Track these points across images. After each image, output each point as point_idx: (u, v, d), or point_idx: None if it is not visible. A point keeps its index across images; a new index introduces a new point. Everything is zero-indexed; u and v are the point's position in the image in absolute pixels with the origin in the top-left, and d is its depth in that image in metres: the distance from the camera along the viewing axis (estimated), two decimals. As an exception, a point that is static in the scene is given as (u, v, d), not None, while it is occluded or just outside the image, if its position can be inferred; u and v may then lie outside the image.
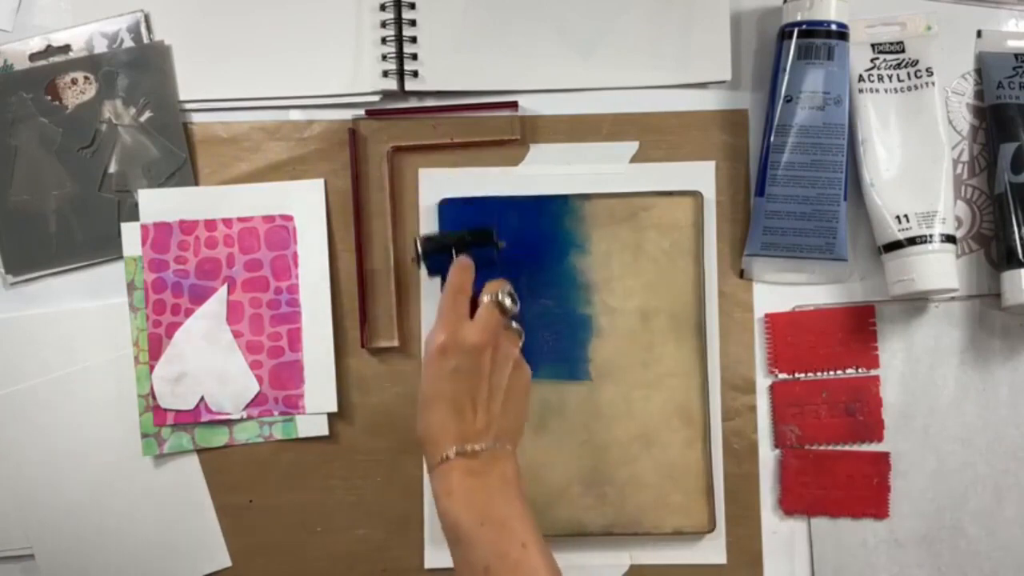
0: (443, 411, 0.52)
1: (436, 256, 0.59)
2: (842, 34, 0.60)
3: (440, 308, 0.54)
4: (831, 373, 0.63)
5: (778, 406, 0.63)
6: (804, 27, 0.60)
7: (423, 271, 0.62)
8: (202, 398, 0.63)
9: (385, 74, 0.63)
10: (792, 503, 0.63)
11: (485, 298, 0.54)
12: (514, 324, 0.56)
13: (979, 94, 0.64)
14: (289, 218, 0.63)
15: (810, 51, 0.60)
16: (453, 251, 0.58)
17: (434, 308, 0.63)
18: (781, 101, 0.61)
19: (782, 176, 0.61)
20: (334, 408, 0.63)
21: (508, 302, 0.54)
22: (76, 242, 0.64)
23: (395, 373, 0.64)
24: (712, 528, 0.62)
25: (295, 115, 0.64)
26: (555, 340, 0.63)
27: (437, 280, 0.63)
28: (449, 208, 0.63)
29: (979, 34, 0.64)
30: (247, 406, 0.63)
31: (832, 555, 0.63)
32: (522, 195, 0.63)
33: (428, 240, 0.59)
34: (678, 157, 0.64)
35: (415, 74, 0.63)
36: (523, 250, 0.63)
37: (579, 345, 0.63)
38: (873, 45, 0.63)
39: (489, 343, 0.52)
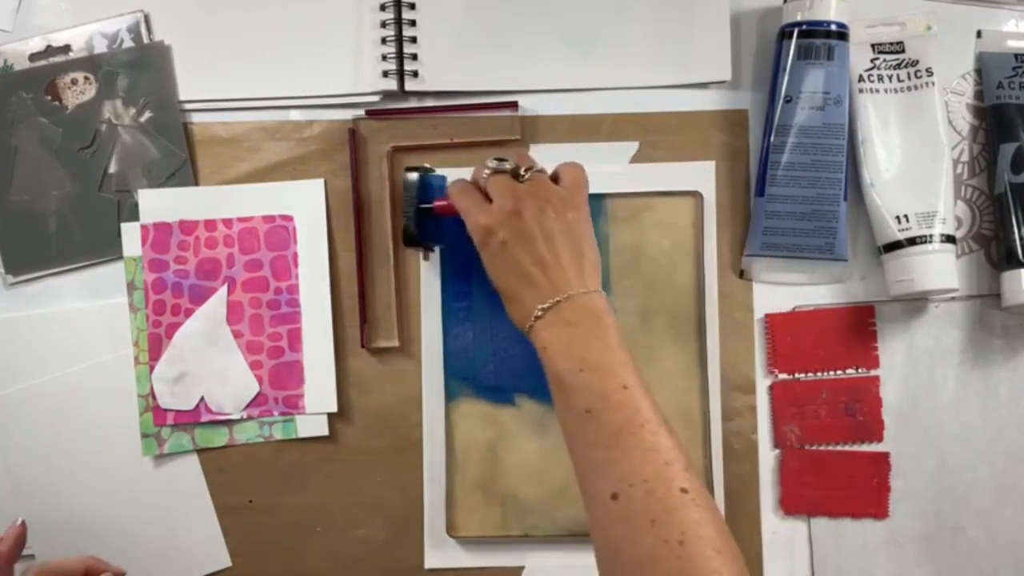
0: (515, 285, 0.52)
1: (422, 224, 0.58)
2: (842, 34, 0.60)
3: (461, 208, 0.54)
4: (831, 373, 0.63)
5: (778, 406, 0.63)
6: (804, 27, 0.60)
7: (432, 256, 0.63)
8: (202, 398, 0.63)
9: (385, 74, 0.63)
10: (792, 503, 0.63)
11: (483, 176, 0.54)
12: (531, 171, 0.54)
13: (979, 94, 0.64)
14: (289, 218, 0.63)
15: (810, 51, 0.60)
16: (417, 203, 0.58)
17: (434, 308, 0.63)
18: (781, 101, 0.61)
19: (782, 176, 0.61)
20: (334, 408, 0.63)
21: (496, 164, 0.54)
22: (76, 242, 0.64)
23: (395, 373, 0.64)
24: (712, 528, 0.62)
25: (295, 115, 0.64)
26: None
27: (436, 278, 0.63)
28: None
29: (979, 34, 0.64)
30: (247, 406, 0.63)
31: (832, 555, 0.63)
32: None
33: (407, 217, 0.58)
34: (678, 157, 0.64)
35: (415, 74, 0.63)
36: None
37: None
38: (873, 45, 0.62)
39: (517, 206, 0.51)
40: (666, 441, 0.46)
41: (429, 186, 0.59)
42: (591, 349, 0.49)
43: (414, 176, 0.59)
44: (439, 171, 0.61)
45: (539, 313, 0.50)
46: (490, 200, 0.53)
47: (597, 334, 0.49)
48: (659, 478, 0.45)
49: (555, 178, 0.55)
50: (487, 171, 0.54)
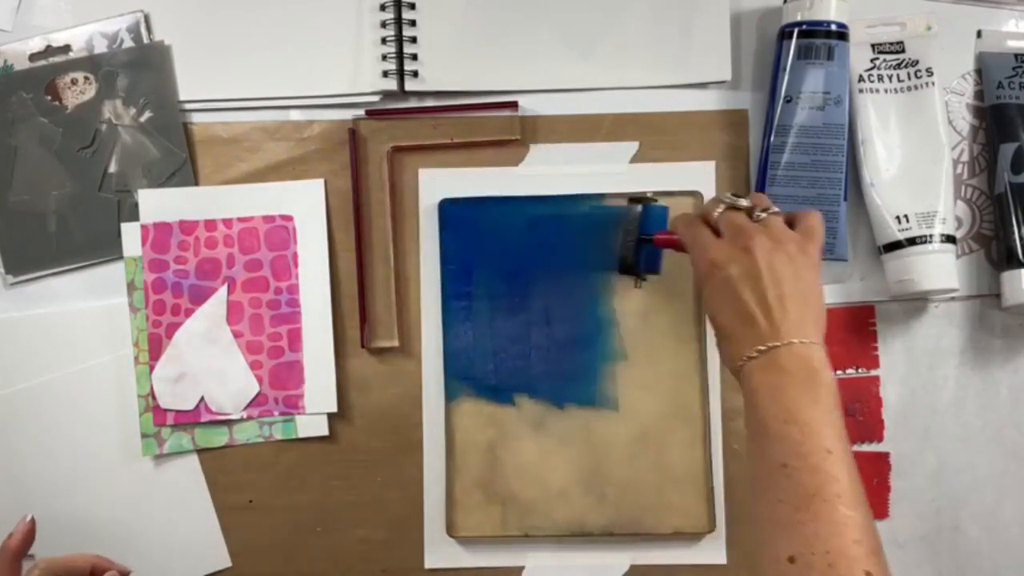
0: (734, 322, 0.50)
1: (639, 253, 0.59)
2: (842, 34, 0.60)
3: (688, 240, 0.53)
4: (831, 373, 0.63)
5: (778, 406, 0.63)
6: (804, 27, 0.60)
7: (431, 251, 0.63)
8: (202, 398, 0.63)
9: (385, 74, 0.63)
10: (792, 503, 0.62)
11: (715, 213, 0.53)
12: (767, 212, 0.52)
13: (979, 94, 0.64)
14: (289, 218, 0.63)
15: (810, 51, 0.60)
16: (638, 234, 0.59)
17: (434, 308, 0.63)
18: (781, 101, 0.61)
19: (782, 176, 0.61)
20: (334, 408, 0.63)
21: (730, 199, 0.53)
22: (76, 242, 0.64)
23: (395, 373, 0.64)
24: (712, 528, 0.62)
25: (295, 115, 0.64)
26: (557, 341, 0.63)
27: (436, 278, 0.63)
28: (449, 208, 0.63)
29: (979, 34, 0.64)
30: (247, 406, 0.63)
31: (832, 555, 0.63)
32: (522, 195, 0.63)
33: (624, 247, 0.60)
34: (678, 157, 0.64)
35: (415, 74, 0.63)
36: (523, 250, 0.63)
37: (581, 346, 0.63)
38: (873, 45, 0.63)
39: (746, 241, 0.50)
40: (859, 519, 0.43)
41: (650, 217, 0.60)
42: (801, 403, 0.46)
43: (637, 208, 0.60)
44: (656, 200, 0.61)
45: (754, 354, 0.48)
46: (718, 236, 0.52)
47: (810, 388, 0.47)
48: (843, 555, 0.42)
49: (790, 222, 0.52)
50: (721, 206, 0.53)
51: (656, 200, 0.61)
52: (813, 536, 0.43)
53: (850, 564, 0.42)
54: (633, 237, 0.60)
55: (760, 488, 0.46)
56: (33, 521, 0.55)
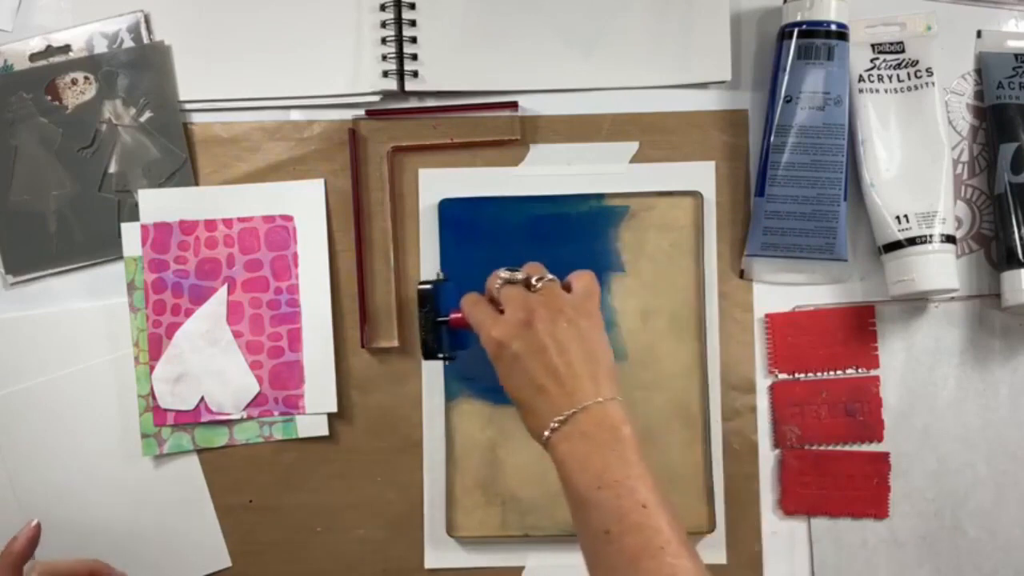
0: (529, 397, 0.50)
1: (440, 335, 0.58)
2: (842, 34, 0.60)
3: (473, 322, 0.53)
4: (831, 373, 0.63)
5: (778, 406, 0.63)
6: (804, 27, 0.60)
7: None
8: (202, 398, 0.63)
9: (385, 74, 0.63)
10: (792, 503, 0.63)
11: (495, 288, 0.53)
12: (542, 280, 0.53)
13: (979, 94, 0.64)
14: (289, 218, 0.64)
15: (810, 51, 0.60)
16: (434, 317, 0.57)
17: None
18: (781, 101, 0.61)
19: (782, 176, 0.61)
20: (334, 408, 0.63)
21: (507, 274, 0.53)
22: (76, 242, 0.64)
23: (395, 373, 0.64)
24: (712, 528, 0.62)
25: (295, 115, 0.64)
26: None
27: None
28: (449, 208, 0.63)
29: (979, 34, 0.64)
30: (247, 406, 0.63)
31: (832, 555, 0.63)
32: (522, 195, 0.63)
33: (424, 331, 0.58)
34: (678, 157, 0.64)
35: (415, 74, 0.63)
36: (523, 250, 0.63)
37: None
38: (873, 45, 0.63)
39: (528, 317, 0.50)
40: (687, 564, 0.44)
41: (443, 296, 0.59)
42: (609, 464, 0.47)
43: (428, 287, 0.58)
44: (444, 279, 0.60)
45: (555, 425, 0.48)
46: (502, 311, 0.52)
47: (615, 448, 0.47)
48: None
49: (567, 287, 0.54)
50: (499, 282, 0.53)
51: (445, 279, 0.60)
52: None
53: None
54: (429, 320, 0.58)
55: (591, 561, 0.47)
56: (39, 526, 0.55)
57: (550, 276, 0.54)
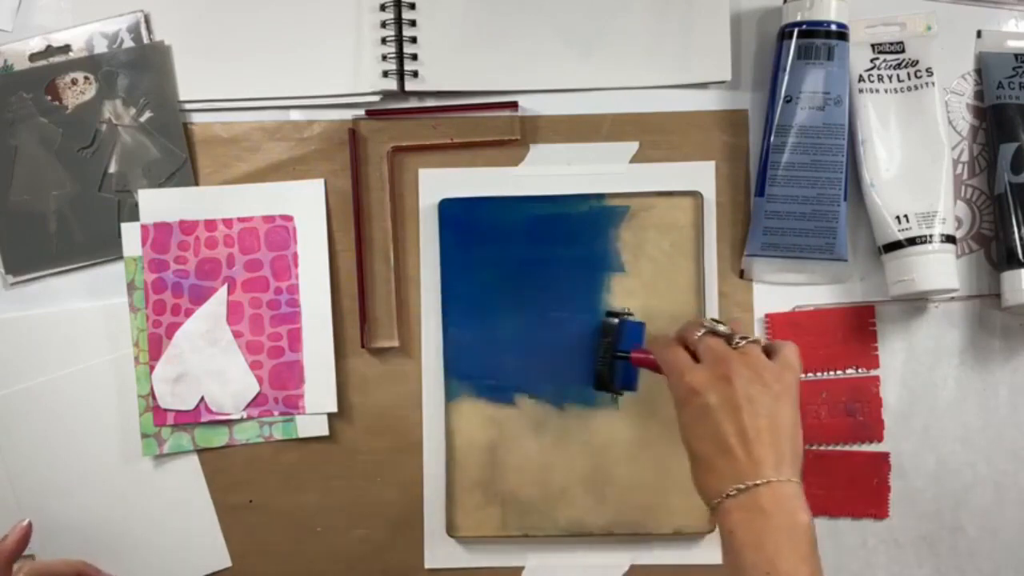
0: (712, 453, 0.49)
1: (615, 369, 0.59)
2: (842, 34, 0.60)
3: (665, 364, 0.52)
4: (831, 373, 0.63)
5: (778, 406, 0.63)
6: (804, 27, 0.60)
7: (432, 255, 0.63)
8: (202, 398, 0.63)
9: (385, 74, 0.63)
10: (792, 503, 0.62)
11: (695, 335, 0.52)
12: (746, 340, 0.52)
13: (979, 94, 0.64)
14: (289, 218, 0.64)
15: (810, 51, 0.60)
16: (613, 350, 0.59)
17: (434, 308, 0.63)
18: (781, 101, 0.61)
19: (782, 176, 0.61)
20: (334, 408, 0.63)
21: (711, 324, 0.52)
22: (76, 242, 0.64)
23: (395, 373, 0.64)
24: (712, 528, 0.62)
25: (295, 115, 0.64)
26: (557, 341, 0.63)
27: (436, 278, 0.63)
28: (449, 208, 0.63)
29: (979, 34, 0.64)
30: (247, 406, 0.63)
31: (832, 555, 0.63)
32: (522, 195, 0.63)
33: (601, 362, 0.60)
34: (678, 157, 0.64)
35: (415, 74, 0.63)
36: (523, 250, 0.63)
37: (581, 347, 0.63)
38: (873, 45, 0.63)
39: (726, 370, 0.49)
40: None
41: (627, 332, 0.60)
42: (782, 552, 0.45)
43: (614, 321, 0.60)
44: (632, 316, 0.61)
45: (733, 492, 0.47)
46: (697, 360, 0.51)
47: (792, 535, 0.46)
48: None
49: (767, 351, 0.52)
50: (700, 331, 0.52)
51: (632, 315, 0.61)
52: None
53: None
54: (610, 352, 0.59)
55: None
56: (30, 526, 0.55)
57: (754, 337, 0.52)
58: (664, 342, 0.54)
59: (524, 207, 0.63)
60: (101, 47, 0.64)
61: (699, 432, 0.49)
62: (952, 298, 0.63)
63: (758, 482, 0.47)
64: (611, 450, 0.62)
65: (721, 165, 0.64)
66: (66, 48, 0.64)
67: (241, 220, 0.64)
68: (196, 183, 0.64)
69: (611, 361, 0.60)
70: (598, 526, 0.62)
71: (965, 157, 0.64)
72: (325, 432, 0.63)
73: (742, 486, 0.47)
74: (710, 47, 0.63)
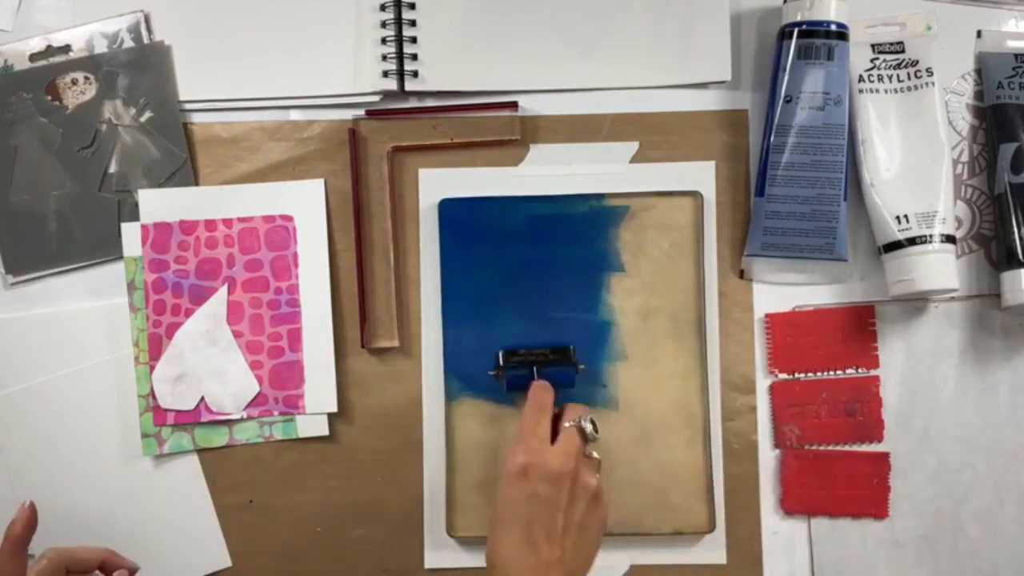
0: (517, 537, 0.51)
1: (514, 371, 0.61)
2: (842, 34, 0.60)
3: (522, 427, 0.54)
4: (831, 373, 0.63)
5: (778, 406, 0.63)
6: (804, 27, 0.60)
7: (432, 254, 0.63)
8: (202, 398, 0.63)
9: (385, 74, 0.63)
10: (792, 503, 0.63)
11: (567, 423, 0.54)
12: (594, 454, 0.55)
13: (979, 94, 0.64)
14: (289, 218, 0.64)
15: (810, 51, 0.60)
16: (533, 369, 0.60)
17: (434, 308, 0.63)
18: (781, 101, 0.61)
19: (782, 176, 0.61)
20: (334, 408, 0.63)
21: (590, 428, 0.54)
22: (76, 242, 0.64)
23: (395, 373, 0.64)
24: (712, 528, 0.62)
25: (295, 115, 0.64)
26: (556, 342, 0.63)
27: (436, 278, 0.63)
28: (449, 208, 0.63)
29: (979, 34, 0.64)
30: (247, 406, 0.63)
31: (832, 555, 0.63)
32: (522, 195, 0.63)
33: (510, 353, 0.61)
34: (678, 157, 0.64)
35: (415, 74, 0.63)
36: (523, 250, 0.63)
37: (580, 347, 0.63)
38: (873, 45, 0.63)
39: (570, 471, 0.52)
40: None
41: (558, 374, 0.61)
42: None
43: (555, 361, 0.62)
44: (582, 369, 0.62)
45: None
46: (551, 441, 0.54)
47: None
48: None
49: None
50: (574, 422, 0.54)
51: (582, 369, 0.62)
52: None
53: None
54: (519, 360, 0.62)
55: None
56: (33, 506, 0.55)
57: (596, 456, 0.55)
58: (541, 403, 0.56)
59: (524, 207, 0.63)
60: (101, 47, 0.64)
61: (515, 509, 0.52)
62: (952, 298, 0.63)
63: None
64: (611, 450, 0.62)
65: (721, 165, 0.64)
66: (66, 48, 0.64)
67: (241, 220, 0.64)
68: (196, 183, 0.64)
69: (519, 367, 0.61)
70: (598, 526, 0.62)
71: (965, 157, 0.64)
72: (325, 432, 0.63)
73: None
74: (710, 47, 0.63)
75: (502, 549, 0.52)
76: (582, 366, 0.61)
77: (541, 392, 0.57)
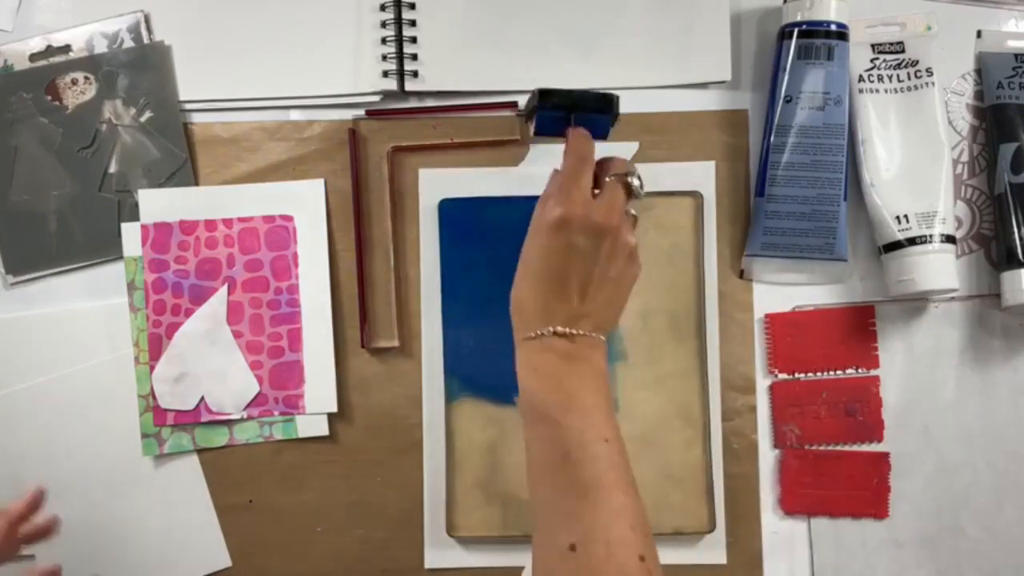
0: (548, 287, 0.48)
1: (549, 114, 0.52)
2: (842, 34, 0.60)
3: (561, 177, 0.50)
4: (831, 373, 0.63)
5: (778, 406, 0.63)
6: (804, 27, 0.60)
7: (432, 251, 0.62)
8: (202, 398, 0.63)
9: (385, 74, 0.63)
10: (792, 503, 0.63)
11: (610, 176, 0.50)
12: (631, 211, 0.51)
13: (979, 94, 0.64)
14: (289, 218, 0.64)
15: (810, 51, 0.60)
16: (571, 117, 0.52)
17: (434, 308, 0.63)
18: (781, 101, 0.61)
19: (782, 176, 0.61)
20: (334, 408, 0.63)
21: (636, 183, 0.50)
22: (76, 242, 0.64)
23: (395, 373, 0.64)
24: (712, 528, 0.62)
25: (295, 115, 0.64)
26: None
27: (436, 278, 0.63)
28: (449, 208, 0.63)
29: (979, 34, 0.64)
30: (247, 406, 0.63)
31: (832, 555, 0.63)
32: (522, 195, 0.63)
33: (547, 93, 0.52)
34: (678, 157, 0.64)
35: (415, 74, 0.63)
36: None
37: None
38: (873, 45, 0.63)
39: (614, 228, 0.48)
40: (633, 504, 0.45)
41: (588, 122, 0.52)
42: (583, 389, 0.47)
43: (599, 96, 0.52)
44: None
45: (547, 333, 0.48)
46: (593, 196, 0.49)
47: (593, 378, 0.48)
48: (621, 542, 0.43)
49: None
50: (617, 175, 0.50)
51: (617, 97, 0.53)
52: (592, 524, 0.44)
53: (627, 549, 0.43)
54: (556, 101, 0.52)
55: (539, 475, 0.46)
56: (40, 493, 0.55)
57: (634, 212, 0.52)
58: (583, 153, 0.50)
59: (524, 207, 0.63)
60: (101, 47, 0.64)
61: (546, 263, 0.49)
62: (952, 298, 0.63)
63: (580, 332, 0.48)
64: (611, 450, 0.62)
65: (721, 165, 0.64)
66: (66, 48, 0.64)
67: (241, 220, 0.64)
68: (196, 183, 0.64)
69: (555, 109, 0.52)
70: (598, 526, 0.62)
71: (965, 157, 0.64)
72: (325, 432, 0.63)
73: (564, 330, 0.48)
74: (710, 47, 0.63)
75: (530, 295, 0.49)
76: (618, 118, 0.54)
77: (583, 142, 0.51)
